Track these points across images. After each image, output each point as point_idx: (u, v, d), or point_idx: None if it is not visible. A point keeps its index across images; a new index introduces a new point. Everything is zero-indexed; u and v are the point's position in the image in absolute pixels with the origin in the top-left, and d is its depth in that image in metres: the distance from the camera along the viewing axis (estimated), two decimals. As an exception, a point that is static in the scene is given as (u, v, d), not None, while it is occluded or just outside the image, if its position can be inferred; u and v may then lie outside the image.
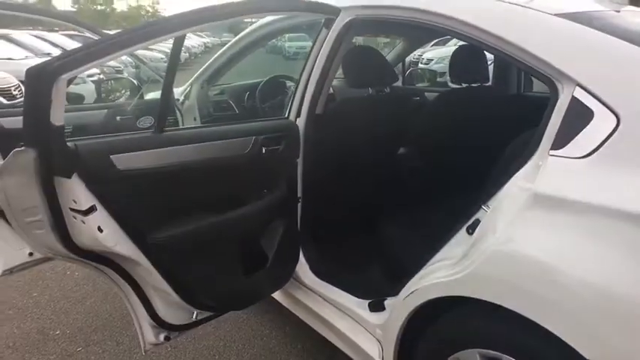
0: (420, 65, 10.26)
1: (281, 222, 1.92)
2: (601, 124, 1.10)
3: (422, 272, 1.45)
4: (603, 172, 1.07)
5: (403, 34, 3.60)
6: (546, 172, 1.14)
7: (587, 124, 1.13)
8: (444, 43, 10.06)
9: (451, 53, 2.42)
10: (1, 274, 2.18)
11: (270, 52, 17.28)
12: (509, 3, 1.46)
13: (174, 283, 1.63)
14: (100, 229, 1.39)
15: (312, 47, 1.92)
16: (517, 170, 1.22)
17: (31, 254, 2.20)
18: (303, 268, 2.02)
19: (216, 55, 2.85)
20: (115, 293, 2.62)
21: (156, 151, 1.52)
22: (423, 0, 1.60)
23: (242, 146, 1.73)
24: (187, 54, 19.80)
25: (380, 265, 2.10)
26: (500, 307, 1.16)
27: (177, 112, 2.81)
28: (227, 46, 2.76)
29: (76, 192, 1.33)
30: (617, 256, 1.00)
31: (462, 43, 2.19)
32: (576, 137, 1.13)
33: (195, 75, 2.94)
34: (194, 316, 1.78)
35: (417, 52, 10.27)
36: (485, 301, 1.20)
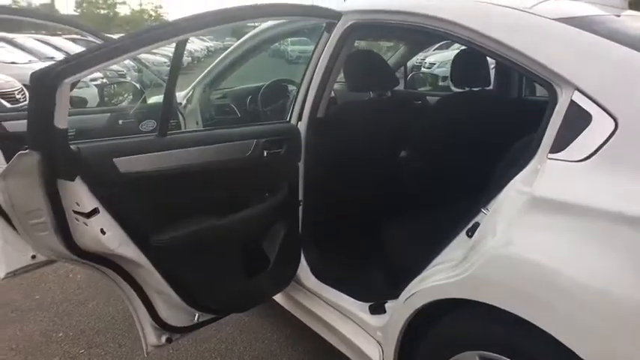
0: (423, 69, 10.28)
1: (282, 225, 1.93)
2: (599, 127, 1.11)
3: (422, 275, 1.45)
4: (601, 176, 1.08)
5: (404, 39, 3.61)
6: (545, 175, 1.15)
7: (586, 127, 1.13)
8: (446, 47, 10.08)
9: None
10: (4, 276, 2.19)
11: (272, 56, 17.34)
12: (510, 8, 1.47)
13: (176, 285, 1.64)
14: (102, 232, 1.40)
15: (314, 51, 1.93)
16: (516, 173, 1.23)
17: (33, 257, 2.22)
18: (304, 270, 2.03)
19: (218, 59, 2.87)
20: (118, 296, 2.62)
21: (158, 154, 1.54)
22: (424, 5, 1.61)
23: (244, 149, 1.75)
24: (190, 58, 19.86)
25: (381, 268, 2.10)
26: (499, 309, 1.17)
27: (179, 115, 2.82)
28: (229, 50, 2.78)
29: (79, 194, 1.35)
30: (615, 259, 1.01)
31: (463, 47, 2.20)
32: (575, 141, 1.14)
33: (198, 79, 2.96)
34: (196, 319, 1.79)
35: (419, 56, 10.29)
36: (485, 303, 1.21)
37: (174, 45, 1.52)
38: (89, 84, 6.17)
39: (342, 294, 1.90)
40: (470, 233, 1.33)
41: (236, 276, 1.83)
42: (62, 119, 1.25)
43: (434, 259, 1.45)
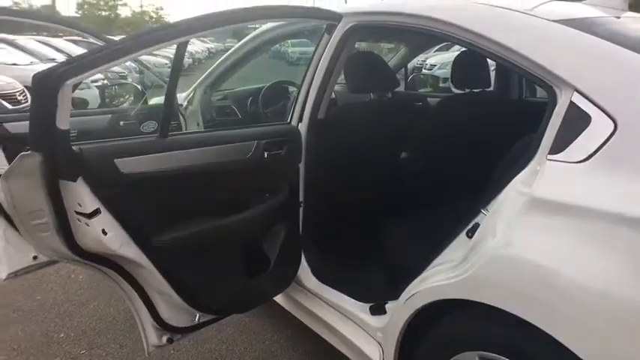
0: (424, 71, 10.30)
1: (283, 226, 1.94)
2: (598, 128, 1.12)
3: (422, 275, 1.46)
4: (600, 177, 1.08)
5: (404, 40, 3.62)
6: (544, 176, 1.15)
7: (585, 128, 1.14)
8: (447, 48, 10.09)
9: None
10: (6, 277, 2.20)
11: (273, 58, 17.34)
12: (509, 10, 1.48)
13: (177, 286, 1.65)
14: (104, 232, 1.41)
15: (314, 53, 1.94)
16: (516, 174, 1.23)
17: (35, 257, 2.22)
18: (304, 271, 2.03)
19: (219, 61, 2.88)
20: (119, 296, 2.63)
21: (159, 155, 1.55)
22: (423, 6, 1.62)
23: (244, 151, 1.75)
24: (191, 59, 19.87)
25: (381, 269, 2.11)
26: (499, 310, 1.17)
27: (180, 117, 2.83)
28: (230, 51, 2.79)
29: (81, 195, 1.35)
30: (614, 260, 1.01)
31: (464, 48, 2.21)
32: (574, 142, 1.15)
33: (199, 80, 2.97)
34: (197, 319, 1.80)
35: (420, 58, 10.30)
36: (485, 304, 1.21)
37: (175, 46, 1.53)
38: (90, 85, 6.19)
39: (342, 295, 1.91)
40: (470, 234, 1.33)
41: (237, 277, 1.84)
42: (64, 120, 1.26)
43: (434, 259, 1.45)
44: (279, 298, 2.16)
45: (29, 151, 1.25)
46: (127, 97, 3.48)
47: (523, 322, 1.12)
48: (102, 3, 45.28)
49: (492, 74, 2.80)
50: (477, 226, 1.32)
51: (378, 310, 1.74)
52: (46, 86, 1.22)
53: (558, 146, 1.17)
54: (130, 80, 7.19)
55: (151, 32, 1.47)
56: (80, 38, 11.73)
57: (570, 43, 1.30)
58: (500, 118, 2.19)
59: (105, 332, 2.46)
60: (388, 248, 2.08)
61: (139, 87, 3.32)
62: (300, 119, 1.94)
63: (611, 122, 1.10)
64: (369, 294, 1.84)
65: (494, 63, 2.10)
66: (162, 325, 1.72)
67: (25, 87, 7.08)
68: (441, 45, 8.31)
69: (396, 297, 1.56)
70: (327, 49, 1.89)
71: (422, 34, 1.67)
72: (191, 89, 2.99)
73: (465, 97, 2.49)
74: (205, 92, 2.98)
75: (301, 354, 2.29)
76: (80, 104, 3.42)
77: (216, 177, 1.70)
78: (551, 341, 1.07)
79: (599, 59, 1.24)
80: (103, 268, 1.56)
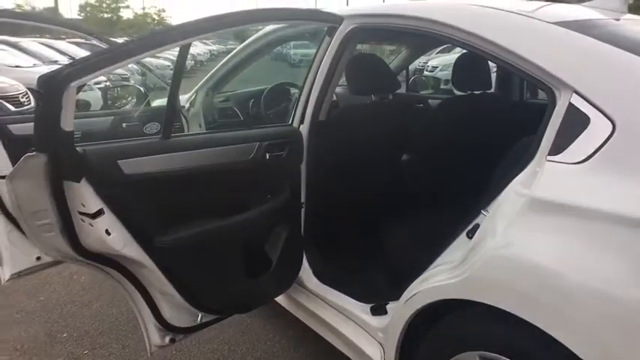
0: (425, 72, 10.31)
1: (284, 227, 1.95)
2: (597, 130, 1.13)
3: (423, 276, 1.47)
4: (599, 178, 1.09)
5: (405, 42, 3.63)
6: (543, 177, 1.16)
7: (584, 130, 1.15)
8: (448, 50, 10.10)
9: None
10: (9, 277, 2.22)
11: (275, 60, 17.34)
12: (508, 11, 1.49)
13: (180, 286, 1.66)
14: (107, 232, 1.42)
15: (316, 55, 1.95)
16: (515, 175, 1.24)
17: (38, 258, 2.24)
18: (306, 272, 2.04)
19: (221, 63, 2.89)
20: (121, 297, 2.64)
21: (162, 156, 1.56)
22: (424, 9, 1.63)
23: (246, 152, 1.76)
24: (193, 61, 19.88)
25: (382, 270, 2.12)
26: (499, 309, 1.18)
27: (182, 118, 2.84)
28: (232, 53, 2.80)
29: (85, 196, 1.37)
30: (613, 260, 1.02)
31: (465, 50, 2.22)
32: (573, 143, 1.16)
33: (201, 82, 2.97)
34: (199, 319, 1.81)
35: (422, 60, 10.31)
36: (485, 303, 1.22)
37: (177, 49, 1.54)
38: (93, 87, 6.20)
39: (343, 295, 1.91)
40: (470, 235, 1.34)
41: (239, 277, 1.85)
42: (68, 122, 1.27)
43: (435, 260, 1.46)
44: (280, 299, 2.17)
45: (34, 152, 1.27)
46: (129, 98, 3.50)
47: (523, 322, 1.13)
48: (104, 5, 45.36)
49: (493, 76, 2.82)
50: (477, 226, 1.33)
51: (379, 310, 1.75)
52: (50, 88, 1.24)
53: (557, 147, 1.18)
54: (132, 82, 7.21)
55: (154, 35, 1.49)
56: (83, 40, 11.76)
57: (570, 46, 1.31)
58: (501, 119, 2.19)
59: (107, 332, 2.47)
60: (389, 249, 2.09)
61: (141, 89, 3.34)
62: (302, 121, 1.95)
63: (609, 123, 1.11)
64: (370, 294, 1.85)
65: (495, 65, 2.12)
66: (164, 325, 1.73)
67: (28, 89, 7.10)
68: (443, 47, 8.32)
69: (397, 297, 1.57)
70: (328, 51, 1.90)
71: (423, 37, 1.68)
72: (193, 91, 3.00)
73: (466, 98, 2.50)
74: (207, 94, 2.98)
75: (302, 354, 2.30)
76: (83, 106, 3.43)
77: (219, 178, 1.71)
78: (550, 341, 1.08)
79: (598, 61, 1.25)
80: (106, 268, 1.57)
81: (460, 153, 2.13)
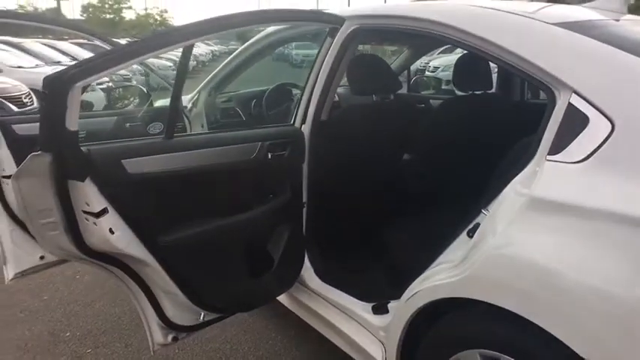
0: (427, 73, 10.31)
1: (286, 226, 1.96)
2: (596, 129, 1.14)
3: (424, 275, 1.48)
4: (598, 177, 1.10)
5: (406, 43, 3.64)
6: (543, 176, 1.17)
7: (583, 129, 1.16)
8: (450, 50, 10.09)
9: (455, 61, 2.46)
10: (13, 276, 2.23)
11: (276, 60, 17.36)
12: (510, 13, 1.50)
13: (182, 285, 1.67)
14: (111, 231, 1.44)
15: (318, 55, 1.97)
16: (515, 175, 1.25)
17: (42, 258, 2.26)
18: (308, 271, 2.05)
19: (223, 63, 2.90)
20: (124, 297, 2.67)
21: (165, 156, 1.57)
22: (425, 10, 1.64)
23: (248, 152, 1.78)
24: (195, 62, 19.90)
25: (384, 269, 2.13)
26: (499, 308, 1.19)
27: (185, 119, 2.86)
28: (234, 54, 2.81)
29: (89, 195, 1.38)
30: (612, 258, 1.03)
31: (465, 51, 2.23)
32: (572, 143, 1.17)
33: (203, 82, 2.99)
34: (201, 318, 1.82)
35: (423, 60, 10.31)
36: (485, 302, 1.23)
37: (180, 49, 1.56)
38: (95, 88, 6.22)
39: (345, 294, 1.92)
40: (471, 234, 1.35)
41: (241, 276, 1.86)
42: (73, 122, 1.29)
43: (436, 259, 1.47)
44: (282, 298, 2.18)
45: (40, 152, 1.28)
46: (130, 99, 3.52)
47: (523, 320, 1.14)
48: (106, 6, 45.45)
49: (494, 76, 2.82)
50: (477, 226, 1.34)
51: (380, 309, 1.75)
52: (56, 88, 1.25)
53: (557, 147, 1.19)
54: (134, 83, 7.23)
55: (158, 36, 1.50)
56: (85, 41, 11.80)
57: (569, 46, 1.32)
58: (502, 119, 2.20)
59: (110, 331, 2.48)
60: (390, 248, 2.10)
61: (144, 89, 3.35)
62: (304, 121, 1.96)
63: (608, 123, 1.12)
64: (371, 293, 1.86)
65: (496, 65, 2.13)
66: (167, 323, 1.74)
67: (31, 89, 7.13)
68: (444, 47, 8.32)
69: (398, 296, 1.58)
70: (330, 52, 1.91)
71: (424, 37, 1.69)
72: (195, 91, 3.01)
73: (466, 99, 2.50)
74: (210, 94, 3.00)
75: (304, 353, 2.31)
76: (85, 107, 3.45)
77: (221, 177, 1.73)
78: (551, 339, 1.09)
79: (597, 61, 1.26)
80: (110, 266, 1.59)
81: (461, 153, 2.14)
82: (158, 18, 50.57)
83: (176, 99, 1.66)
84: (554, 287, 1.09)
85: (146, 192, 1.54)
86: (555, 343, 1.08)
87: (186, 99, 2.97)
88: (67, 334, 2.48)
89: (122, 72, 8.46)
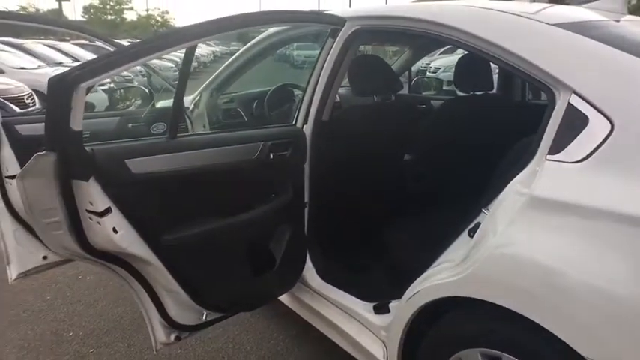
0: (428, 73, 10.31)
1: (288, 226, 1.97)
2: (596, 129, 1.15)
3: (425, 274, 1.48)
4: (598, 176, 1.11)
5: (407, 44, 3.65)
6: (543, 176, 1.18)
7: (583, 129, 1.17)
8: (452, 51, 10.09)
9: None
10: (16, 276, 2.25)
11: (278, 61, 17.40)
12: (511, 14, 1.51)
13: (185, 284, 1.68)
14: (114, 231, 1.45)
15: (319, 56, 1.98)
16: (516, 174, 1.26)
17: (45, 257, 2.27)
18: (309, 271, 2.06)
19: (225, 64, 2.91)
20: (126, 296, 2.69)
21: (168, 156, 1.58)
22: (426, 11, 1.65)
23: (250, 152, 1.79)
24: (196, 63, 19.91)
25: (385, 269, 2.14)
26: (500, 306, 1.20)
27: (187, 119, 2.87)
28: (236, 55, 2.82)
29: (93, 194, 1.39)
30: (612, 257, 1.04)
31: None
32: (572, 142, 1.18)
33: (205, 83, 3.00)
34: (204, 317, 1.83)
35: (424, 61, 10.32)
36: (486, 301, 1.24)
37: (181, 50, 1.57)
38: (97, 89, 6.23)
39: (346, 294, 1.93)
40: (471, 233, 1.36)
41: (243, 276, 1.87)
42: (78, 122, 1.30)
43: (437, 258, 1.48)
44: (284, 298, 2.19)
45: (44, 152, 1.29)
46: (132, 100, 3.52)
47: (523, 319, 1.15)
48: (108, 7, 45.53)
49: (495, 77, 2.83)
50: (478, 225, 1.35)
51: (381, 308, 1.76)
52: (61, 89, 1.26)
53: (557, 147, 1.20)
54: (136, 84, 7.24)
55: (160, 37, 1.51)
56: (87, 42, 11.83)
57: (569, 46, 1.33)
58: (502, 120, 2.21)
59: (113, 331, 2.49)
60: (391, 248, 2.11)
61: (146, 90, 3.36)
62: (305, 121, 1.97)
63: (608, 123, 1.13)
64: (372, 293, 1.87)
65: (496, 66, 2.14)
66: (170, 322, 1.75)
67: (33, 90, 7.15)
68: (446, 48, 8.33)
69: (399, 296, 1.59)
70: (331, 53, 1.92)
71: (425, 38, 1.70)
72: (197, 92, 3.02)
73: (467, 99, 2.51)
74: (211, 95, 3.01)
75: (306, 353, 2.32)
76: (88, 108, 3.46)
77: (223, 177, 1.74)
78: (551, 337, 1.10)
79: (597, 62, 1.27)
80: (113, 266, 1.60)
81: (462, 153, 2.15)
82: (159, 19, 50.62)
83: (179, 99, 1.67)
84: (555, 286, 1.10)
85: (149, 192, 1.55)
86: (556, 341, 1.09)
87: (187, 100, 2.98)
88: (70, 333, 2.49)
89: (124, 73, 8.48)
